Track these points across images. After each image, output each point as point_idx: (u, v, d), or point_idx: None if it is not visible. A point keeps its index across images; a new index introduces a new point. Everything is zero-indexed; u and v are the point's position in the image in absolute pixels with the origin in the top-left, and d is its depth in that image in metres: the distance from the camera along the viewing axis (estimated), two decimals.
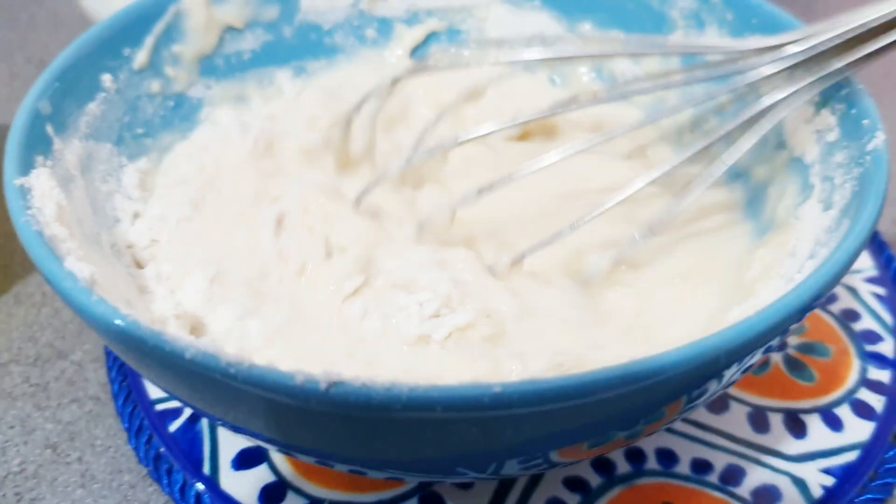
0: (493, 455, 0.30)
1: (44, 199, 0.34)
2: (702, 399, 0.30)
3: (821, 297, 0.28)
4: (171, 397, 0.33)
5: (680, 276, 0.40)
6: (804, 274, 0.32)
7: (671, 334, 0.36)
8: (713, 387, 0.29)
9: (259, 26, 0.48)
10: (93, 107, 0.41)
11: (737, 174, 0.43)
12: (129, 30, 0.43)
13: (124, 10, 0.43)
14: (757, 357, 0.28)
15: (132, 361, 0.29)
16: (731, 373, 0.28)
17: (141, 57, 0.44)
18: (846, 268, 0.29)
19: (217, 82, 0.48)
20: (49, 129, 0.37)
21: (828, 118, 0.38)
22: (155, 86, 0.45)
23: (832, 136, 0.38)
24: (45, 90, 0.38)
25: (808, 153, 0.39)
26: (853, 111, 0.37)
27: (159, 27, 0.44)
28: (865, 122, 0.36)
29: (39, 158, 0.36)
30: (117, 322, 0.26)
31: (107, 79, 0.42)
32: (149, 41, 0.44)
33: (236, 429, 0.31)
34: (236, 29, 0.48)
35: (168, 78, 0.45)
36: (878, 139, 0.35)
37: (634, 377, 0.24)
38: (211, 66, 0.47)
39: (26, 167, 0.34)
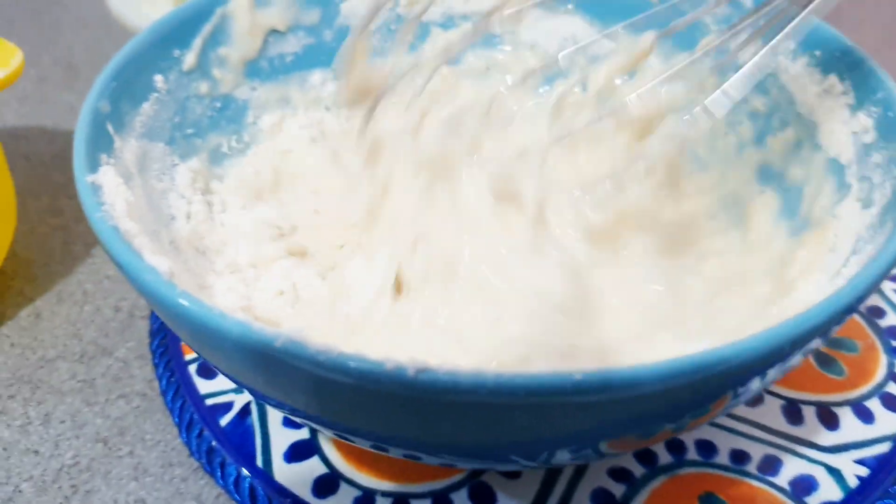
0: (548, 443, 0.31)
1: (113, 195, 0.35)
2: (746, 395, 0.31)
3: (876, 286, 0.29)
4: (241, 387, 0.34)
5: (722, 275, 0.41)
6: (851, 268, 0.33)
7: (725, 325, 0.37)
8: (756, 384, 0.30)
9: (301, 29, 0.49)
10: (146, 107, 0.42)
11: (770, 176, 0.45)
12: (179, 32, 0.44)
13: (174, 13, 0.44)
14: (813, 344, 0.30)
15: (210, 352, 0.30)
16: (792, 360, 0.29)
17: (190, 58, 0.45)
18: None
19: (261, 84, 0.49)
20: (109, 127, 0.38)
21: (864, 120, 0.39)
22: (203, 87, 0.46)
23: (868, 137, 0.39)
24: (103, 90, 0.39)
25: (844, 154, 0.40)
26: (889, 114, 0.38)
27: (206, 29, 0.45)
28: None
29: (103, 156, 0.37)
30: (202, 313, 0.27)
31: (159, 79, 0.43)
32: (197, 43, 0.45)
33: (303, 415, 0.32)
34: (279, 32, 0.49)
35: (215, 79, 0.46)
36: None
37: (713, 365, 0.25)
38: (255, 69, 0.49)
39: (94, 165, 0.36)
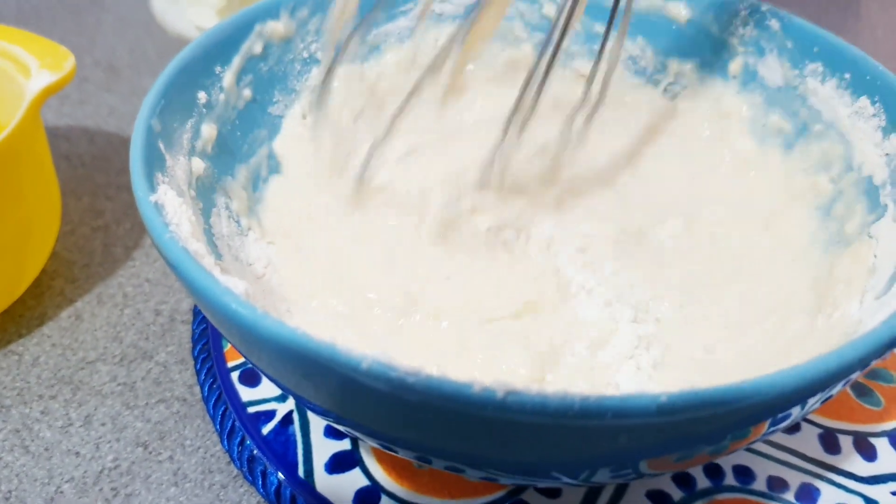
0: (592, 461, 0.31)
1: (177, 215, 0.35)
2: (786, 423, 0.32)
3: None
4: (303, 403, 0.34)
5: (759, 294, 0.42)
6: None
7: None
8: (797, 411, 0.31)
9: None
10: (192, 124, 0.42)
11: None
12: (220, 48, 0.44)
13: (214, 29, 0.44)
14: (854, 377, 0.30)
15: (291, 372, 0.30)
16: (829, 391, 0.30)
17: (229, 76, 0.45)
18: None
19: (289, 97, 0.50)
20: (161, 145, 0.38)
21: None
22: (241, 104, 0.46)
23: None
24: (154, 107, 0.38)
25: (878, 175, 0.41)
26: None
27: (245, 47, 0.46)
28: None
29: (159, 175, 0.36)
30: (287, 335, 0.27)
31: (202, 96, 0.43)
32: (236, 61, 0.45)
33: (363, 430, 0.32)
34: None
35: (254, 96, 0.47)
36: None
37: (791, 389, 0.26)
38: (286, 87, 0.49)
39: (152, 184, 0.35)
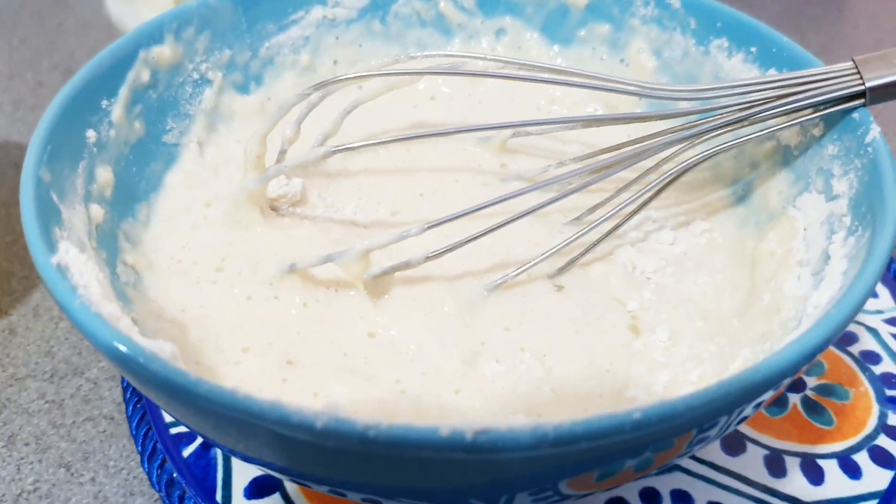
0: (509, 485, 0.30)
1: (83, 276, 0.31)
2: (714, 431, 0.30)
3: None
4: (254, 462, 0.32)
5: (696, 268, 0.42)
6: (833, 269, 0.34)
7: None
8: (724, 420, 0.29)
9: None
10: (84, 166, 0.39)
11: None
12: (105, 81, 0.41)
13: (95, 61, 0.41)
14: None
15: (234, 434, 0.28)
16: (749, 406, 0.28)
17: (118, 110, 0.42)
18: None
19: (182, 123, 0.47)
20: (54, 196, 0.35)
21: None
22: (133, 137, 0.43)
23: (817, 130, 0.40)
24: (40, 156, 0.35)
25: (795, 145, 0.42)
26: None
27: (131, 76, 0.43)
28: (856, 115, 0.38)
29: (56, 230, 0.33)
30: (228, 398, 0.25)
31: (91, 135, 0.40)
32: (123, 91, 0.42)
33: (292, 474, 0.31)
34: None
35: (146, 127, 0.44)
36: (874, 131, 0.37)
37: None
38: (178, 113, 0.46)
39: (51, 243, 0.32)
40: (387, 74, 0.43)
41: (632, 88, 0.41)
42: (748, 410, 0.29)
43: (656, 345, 0.38)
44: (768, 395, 0.28)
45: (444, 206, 0.39)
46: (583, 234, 0.41)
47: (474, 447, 0.24)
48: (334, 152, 0.41)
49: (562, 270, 0.41)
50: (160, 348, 0.28)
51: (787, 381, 0.28)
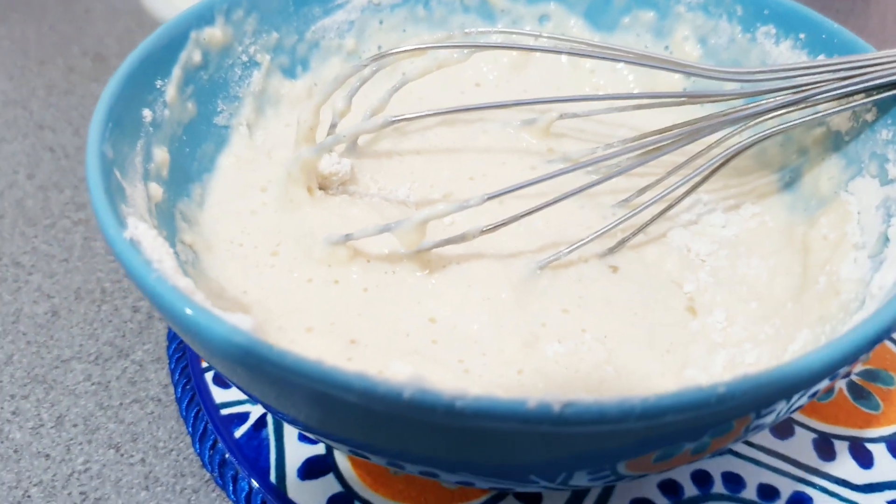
0: (568, 464, 0.30)
1: (156, 250, 0.31)
2: (770, 418, 0.30)
3: None
4: (321, 436, 0.32)
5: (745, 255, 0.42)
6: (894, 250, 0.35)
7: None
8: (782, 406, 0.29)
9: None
10: (141, 145, 0.39)
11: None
12: (159, 61, 0.41)
13: (149, 41, 0.41)
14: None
15: (310, 406, 0.28)
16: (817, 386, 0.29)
17: (171, 90, 0.42)
18: None
19: (232, 105, 0.47)
20: (117, 173, 0.35)
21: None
22: (186, 118, 0.43)
23: (870, 115, 0.40)
24: (103, 131, 0.35)
25: (846, 131, 0.42)
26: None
27: (184, 56, 0.43)
28: None
29: (122, 207, 0.33)
30: (322, 370, 0.25)
31: (147, 114, 0.40)
32: (176, 71, 0.42)
33: (353, 444, 0.31)
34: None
35: (198, 108, 0.44)
36: None
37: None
38: (228, 95, 0.46)
39: (121, 219, 0.32)
40: (443, 47, 0.43)
41: (683, 68, 0.41)
42: (823, 383, 0.29)
43: (713, 326, 0.38)
44: (844, 369, 0.28)
45: (494, 189, 0.39)
46: (633, 216, 0.41)
47: (561, 419, 0.24)
48: (392, 122, 0.41)
49: (613, 250, 0.41)
50: (241, 321, 0.28)
51: (862, 357, 0.29)
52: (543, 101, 0.44)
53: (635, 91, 0.51)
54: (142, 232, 0.32)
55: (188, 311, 0.27)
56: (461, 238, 0.38)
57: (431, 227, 0.39)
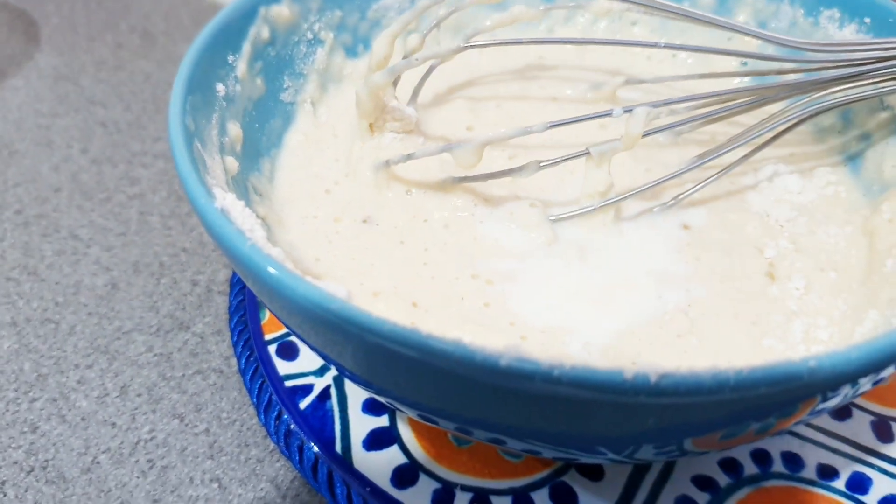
0: (637, 438, 0.30)
1: (245, 220, 0.32)
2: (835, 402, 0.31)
3: None
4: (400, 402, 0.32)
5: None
6: None
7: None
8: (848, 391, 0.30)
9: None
10: (216, 119, 0.39)
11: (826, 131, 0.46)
12: (230, 36, 0.42)
13: (221, 16, 0.41)
14: None
15: (413, 371, 0.28)
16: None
17: (242, 65, 0.42)
18: None
19: (297, 82, 0.47)
20: (198, 145, 0.35)
21: None
22: (256, 93, 0.44)
23: None
24: (184, 104, 0.35)
25: None
26: None
27: (252, 32, 0.43)
28: None
29: (207, 178, 0.34)
30: (422, 338, 0.26)
31: (221, 89, 0.40)
32: (246, 47, 0.43)
33: (432, 410, 0.31)
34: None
35: (266, 84, 0.45)
36: None
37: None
38: (293, 72, 0.47)
39: (208, 189, 0.32)
40: None
41: (760, 35, 0.42)
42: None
43: (791, 292, 0.38)
44: None
45: (559, 149, 0.39)
46: (699, 167, 0.41)
47: (657, 390, 0.25)
48: (469, 46, 0.41)
49: (678, 199, 0.42)
50: (336, 289, 0.29)
51: None
52: (645, 45, 0.45)
53: (691, 63, 0.52)
54: (230, 202, 0.32)
55: (289, 281, 0.28)
56: (520, 170, 0.39)
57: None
